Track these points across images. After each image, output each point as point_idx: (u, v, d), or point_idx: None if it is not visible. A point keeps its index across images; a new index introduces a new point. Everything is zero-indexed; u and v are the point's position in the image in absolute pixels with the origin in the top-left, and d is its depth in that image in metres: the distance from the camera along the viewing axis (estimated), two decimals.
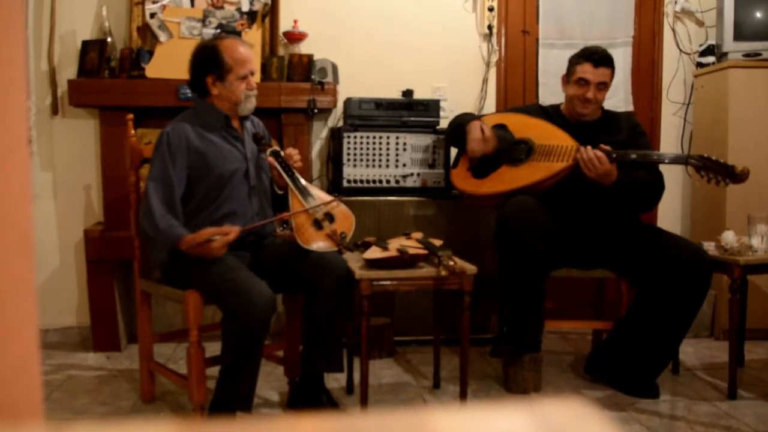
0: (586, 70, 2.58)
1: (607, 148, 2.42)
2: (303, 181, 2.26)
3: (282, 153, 2.26)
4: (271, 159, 2.24)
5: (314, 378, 2.25)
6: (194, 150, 2.19)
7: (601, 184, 2.43)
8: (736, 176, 2.30)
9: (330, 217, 2.23)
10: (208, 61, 2.21)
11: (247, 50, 2.26)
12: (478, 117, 2.82)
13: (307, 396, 2.25)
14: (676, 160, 2.59)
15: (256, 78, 2.96)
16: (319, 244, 2.17)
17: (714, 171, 2.32)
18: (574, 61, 2.64)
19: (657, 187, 2.59)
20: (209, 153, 2.21)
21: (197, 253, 2.05)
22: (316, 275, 2.15)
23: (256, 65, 2.99)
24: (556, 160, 2.51)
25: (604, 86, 2.60)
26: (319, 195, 2.28)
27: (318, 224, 2.20)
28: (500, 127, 2.68)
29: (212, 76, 2.21)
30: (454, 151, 2.94)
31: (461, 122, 2.71)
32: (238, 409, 2.08)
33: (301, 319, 2.27)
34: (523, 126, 2.66)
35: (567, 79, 2.67)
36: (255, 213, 2.28)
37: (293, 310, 2.42)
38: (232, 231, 2.06)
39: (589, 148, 2.40)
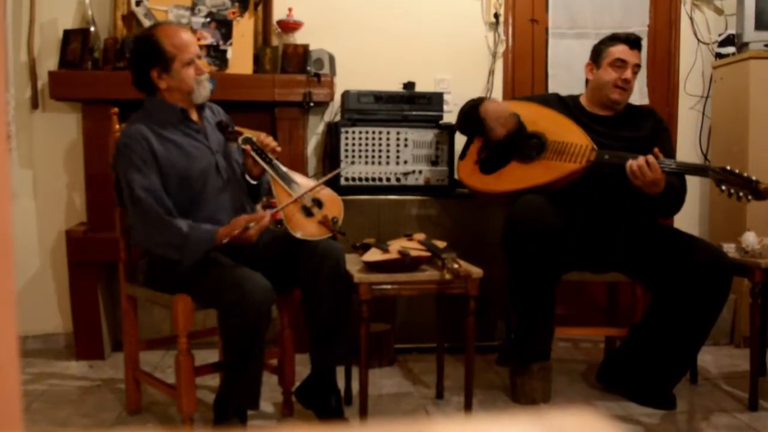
0: (623, 51, 2.60)
1: (659, 154, 2.37)
2: (283, 168, 2.24)
3: (255, 139, 2.23)
4: (247, 147, 2.22)
5: (324, 374, 2.25)
6: (158, 155, 2.12)
7: (644, 192, 2.39)
8: (760, 193, 2.25)
9: (318, 202, 2.23)
10: (148, 53, 2.16)
11: (188, 34, 2.23)
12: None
13: (316, 391, 2.25)
14: (694, 172, 2.54)
15: (248, 69, 2.99)
16: (312, 231, 2.17)
17: (736, 185, 2.29)
18: (606, 44, 2.65)
19: (683, 192, 2.59)
20: (172, 155, 2.16)
21: (233, 242, 2.05)
22: (313, 264, 2.15)
23: (248, 56, 3.01)
24: (569, 161, 2.51)
25: (638, 69, 2.62)
26: (303, 181, 2.27)
27: (307, 211, 2.20)
28: (513, 117, 2.67)
29: (156, 69, 2.16)
30: (458, 147, 2.94)
31: (475, 104, 2.70)
32: (246, 406, 2.09)
33: (300, 320, 2.27)
34: (537, 118, 2.65)
35: (596, 64, 2.66)
36: (235, 208, 2.26)
37: (287, 315, 2.41)
38: (266, 216, 2.07)
39: (640, 157, 2.36)
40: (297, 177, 2.26)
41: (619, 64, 2.60)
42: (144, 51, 2.18)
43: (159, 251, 2.12)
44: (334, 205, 2.24)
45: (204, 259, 2.08)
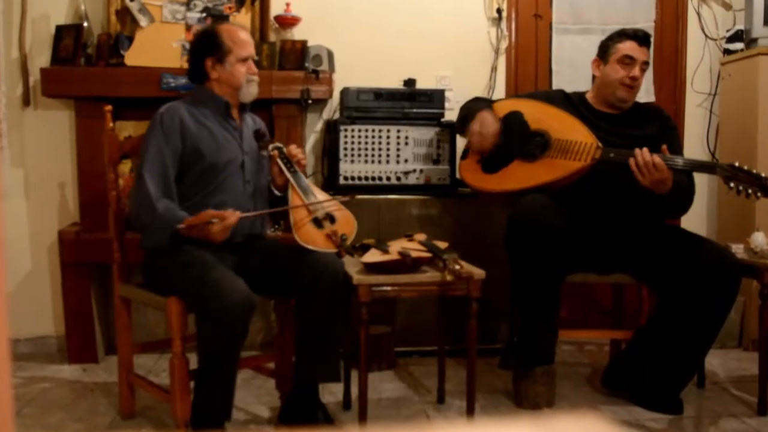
0: (631, 48, 2.59)
1: (665, 152, 2.37)
2: (305, 180, 2.32)
3: (285, 149, 2.32)
4: (274, 153, 2.31)
5: (308, 390, 2.25)
6: (188, 133, 2.23)
7: (651, 192, 2.40)
8: None
9: (331, 218, 2.27)
10: (207, 44, 2.31)
11: (247, 35, 2.36)
12: (491, 102, 2.82)
13: (299, 410, 2.25)
14: (702, 169, 2.55)
15: None
16: (318, 243, 2.19)
17: (745, 183, 2.29)
18: (614, 40, 2.64)
19: (691, 192, 2.59)
20: (204, 139, 2.25)
21: (196, 236, 2.09)
22: (312, 276, 2.16)
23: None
24: (574, 159, 2.51)
25: (646, 67, 2.62)
26: (322, 196, 2.33)
27: (318, 223, 2.24)
28: (516, 115, 2.68)
29: (211, 58, 2.30)
30: (461, 144, 2.94)
31: (470, 111, 2.71)
32: (216, 419, 2.09)
33: (294, 326, 2.28)
34: (540, 115, 2.66)
35: (603, 61, 2.66)
36: (247, 209, 2.29)
37: (285, 317, 2.42)
38: (233, 215, 2.09)
39: (645, 150, 2.36)
40: (317, 191, 2.33)
41: (628, 61, 2.59)
42: (203, 41, 2.33)
43: (135, 224, 2.23)
44: (347, 224, 2.30)
45: (192, 257, 2.09)
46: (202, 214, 2.09)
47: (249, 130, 2.38)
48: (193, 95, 2.36)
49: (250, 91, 2.33)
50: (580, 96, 2.75)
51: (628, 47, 2.60)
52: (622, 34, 2.63)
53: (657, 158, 2.34)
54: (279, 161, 2.30)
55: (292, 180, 2.28)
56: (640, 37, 2.61)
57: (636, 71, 2.59)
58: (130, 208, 2.26)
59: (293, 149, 2.34)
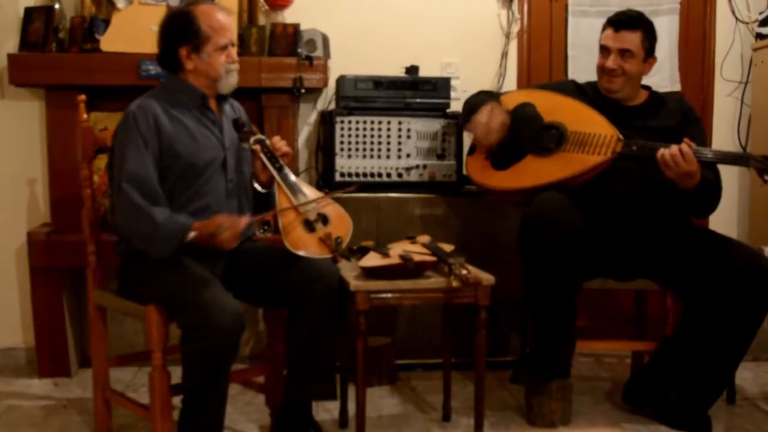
0: (606, 36, 2.64)
1: (691, 143, 2.36)
2: (292, 176, 2.28)
3: (268, 142, 2.27)
4: (256, 147, 2.25)
5: (300, 406, 2.25)
6: (164, 133, 2.19)
7: (677, 187, 2.40)
8: None
9: (324, 218, 2.24)
10: (182, 29, 2.23)
11: (227, 18, 2.29)
12: (499, 95, 2.82)
13: (291, 429, 2.25)
14: (733, 161, 2.55)
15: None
16: (310, 249, 2.17)
17: None
18: (602, 28, 2.68)
19: (718, 188, 2.58)
20: (181, 139, 2.21)
21: (207, 244, 2.09)
22: (304, 285, 2.15)
23: (235, 36, 3.01)
24: (593, 152, 2.50)
25: (629, 54, 2.59)
26: (312, 194, 2.29)
27: (310, 226, 2.21)
28: (527, 107, 2.67)
29: (186, 47, 2.23)
30: (467, 138, 2.94)
31: (475, 104, 2.71)
32: None
33: (285, 337, 2.27)
34: (553, 107, 2.66)
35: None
36: (232, 212, 2.28)
37: (276, 328, 2.41)
38: (241, 220, 2.10)
39: (673, 146, 2.36)
40: (306, 188, 2.29)
41: (604, 51, 2.63)
42: (176, 25, 2.24)
43: (131, 240, 2.17)
44: (341, 224, 2.26)
45: (175, 263, 2.08)
46: (210, 222, 2.09)
47: (229, 121, 2.34)
48: (165, 86, 2.31)
49: (230, 82, 2.29)
50: (592, 86, 2.76)
51: (604, 36, 2.65)
52: (606, 21, 2.66)
53: (685, 147, 2.34)
54: (262, 156, 2.25)
55: (278, 178, 2.24)
56: (616, 22, 2.62)
57: (610, 62, 2.60)
58: (117, 224, 2.18)
59: (277, 141, 2.29)
